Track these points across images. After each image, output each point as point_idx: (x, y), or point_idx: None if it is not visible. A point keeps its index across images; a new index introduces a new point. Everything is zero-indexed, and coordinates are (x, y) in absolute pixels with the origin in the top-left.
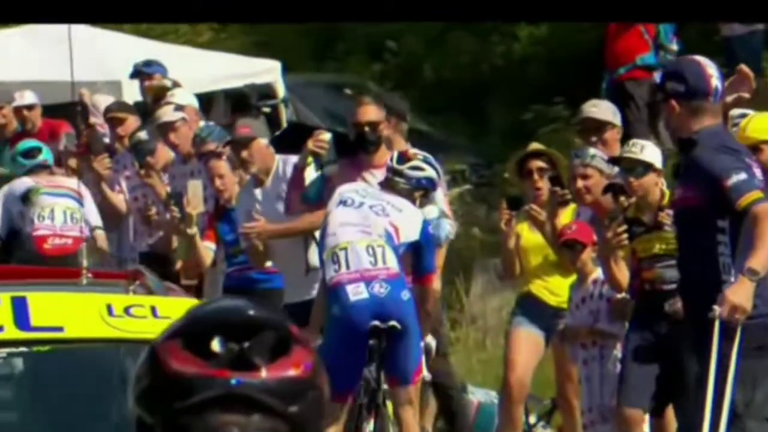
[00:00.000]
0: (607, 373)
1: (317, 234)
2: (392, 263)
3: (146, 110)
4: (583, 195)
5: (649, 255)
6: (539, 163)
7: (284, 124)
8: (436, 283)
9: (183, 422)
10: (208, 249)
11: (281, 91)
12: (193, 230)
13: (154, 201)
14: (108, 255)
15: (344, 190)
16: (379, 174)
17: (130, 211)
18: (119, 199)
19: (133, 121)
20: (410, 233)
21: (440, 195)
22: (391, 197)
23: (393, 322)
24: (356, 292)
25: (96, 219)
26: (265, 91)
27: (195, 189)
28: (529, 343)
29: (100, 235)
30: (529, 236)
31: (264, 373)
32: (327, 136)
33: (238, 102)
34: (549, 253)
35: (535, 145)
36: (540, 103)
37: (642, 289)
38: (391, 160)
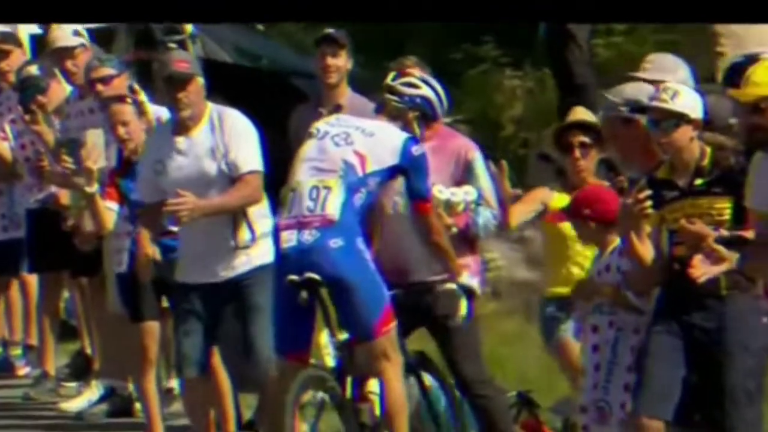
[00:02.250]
0: (620, 363)
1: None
2: (332, 209)
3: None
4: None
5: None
6: (582, 137)
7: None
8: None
9: None
10: (109, 210)
11: (188, 25)
12: (93, 188)
13: (36, 152)
14: None
15: (319, 122)
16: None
17: (16, 161)
18: (3, 146)
19: (20, 55)
20: (384, 158)
21: (483, 176)
22: (367, 122)
23: (311, 274)
24: (287, 240)
25: None
26: (171, 26)
27: (95, 139)
28: None
29: None
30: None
31: None
32: None
33: (142, 37)
34: None
35: (579, 113)
36: (468, 43)
37: (671, 269)
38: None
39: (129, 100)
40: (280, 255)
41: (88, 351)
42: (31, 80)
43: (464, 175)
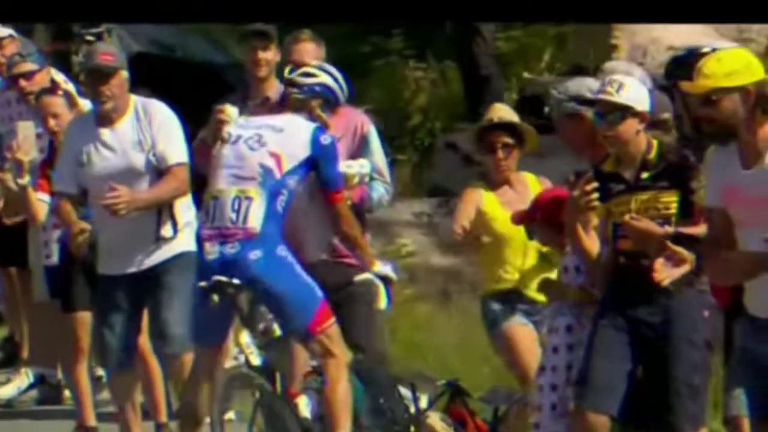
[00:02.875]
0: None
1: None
2: (254, 221)
3: None
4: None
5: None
6: (505, 138)
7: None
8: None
9: None
10: (41, 201)
11: None
12: (25, 180)
13: None
14: None
15: (230, 125)
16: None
17: None
18: None
19: None
20: (297, 153)
21: (377, 150)
22: (274, 119)
23: (219, 277)
24: (209, 251)
25: None
26: None
27: (26, 131)
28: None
29: None
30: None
31: None
32: (231, 110)
33: (60, 30)
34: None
35: (499, 111)
36: (378, 35)
37: (616, 263)
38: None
39: (60, 92)
40: (203, 262)
41: (16, 338)
42: None
43: (360, 148)
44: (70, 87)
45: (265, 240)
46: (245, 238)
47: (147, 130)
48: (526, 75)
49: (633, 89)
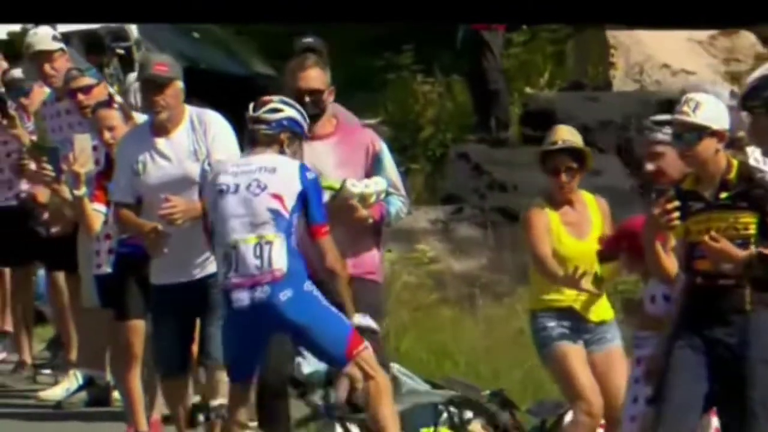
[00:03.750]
0: None
1: None
2: (279, 263)
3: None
4: (658, 179)
5: None
6: (569, 163)
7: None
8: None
9: None
10: (97, 212)
11: (134, 32)
12: (81, 191)
13: (19, 149)
14: None
15: (216, 175)
16: (320, 145)
17: None
18: None
19: None
20: (292, 189)
21: (390, 165)
22: (260, 159)
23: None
24: (239, 299)
25: None
26: (119, 33)
27: (82, 143)
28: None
29: None
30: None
31: None
32: None
33: (93, 44)
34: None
35: (563, 134)
36: (390, 51)
37: (693, 283)
38: (246, 110)
39: (115, 105)
40: (233, 310)
41: (62, 340)
42: (16, 83)
43: (373, 166)
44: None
45: (292, 279)
46: (273, 281)
47: (202, 140)
48: (528, 90)
49: (710, 108)
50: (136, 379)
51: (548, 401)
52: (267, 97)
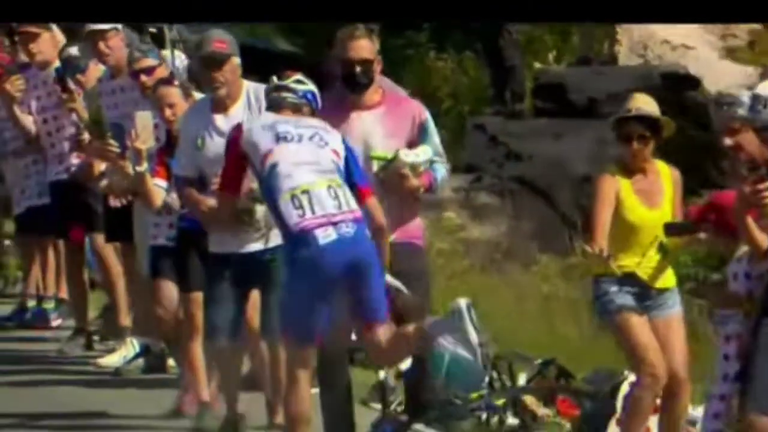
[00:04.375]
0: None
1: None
2: (354, 204)
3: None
4: (736, 154)
5: None
6: (641, 131)
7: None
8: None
9: None
10: (158, 187)
11: None
12: (143, 167)
13: (74, 123)
14: None
15: (273, 123)
16: (368, 116)
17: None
18: (28, 120)
19: (47, 37)
20: (342, 151)
21: (434, 134)
22: (309, 121)
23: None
24: (325, 235)
25: None
26: None
27: (144, 121)
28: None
29: None
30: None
31: None
32: None
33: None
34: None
35: (638, 102)
36: (410, 29)
37: None
38: (271, 81)
39: (176, 83)
40: (319, 248)
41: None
42: (72, 60)
43: (419, 135)
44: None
45: (364, 223)
46: (354, 220)
47: (257, 115)
48: (537, 65)
49: None
50: (198, 349)
51: (603, 370)
52: (290, 71)
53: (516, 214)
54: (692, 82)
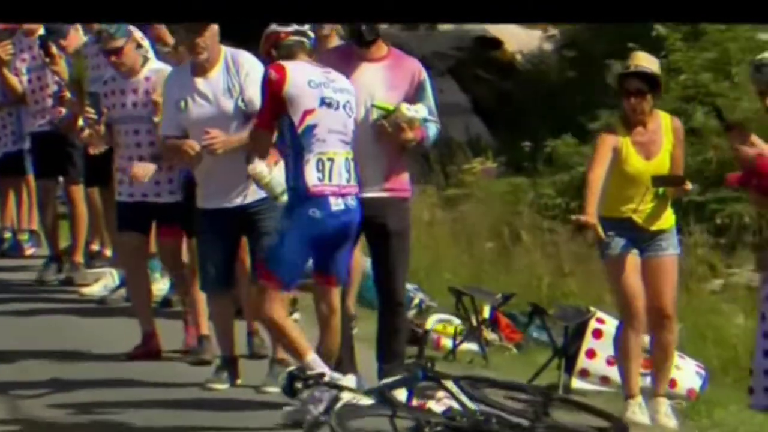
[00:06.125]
0: None
1: None
2: (354, 180)
3: None
4: None
5: None
6: (638, 85)
7: None
8: None
9: None
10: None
11: None
12: (159, 118)
13: (56, 82)
14: None
15: (319, 84)
16: (373, 67)
17: (24, 92)
18: (15, 81)
19: None
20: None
21: (430, 94)
22: (338, 78)
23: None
24: (336, 204)
25: None
26: None
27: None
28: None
29: None
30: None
31: None
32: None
33: None
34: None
35: (637, 59)
36: None
37: None
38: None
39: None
40: (329, 213)
41: (95, 247)
42: (55, 27)
43: (417, 93)
44: (146, 44)
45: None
46: (356, 194)
47: (236, 78)
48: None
49: None
50: (200, 291)
51: (570, 307)
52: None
53: None
54: (495, 44)
